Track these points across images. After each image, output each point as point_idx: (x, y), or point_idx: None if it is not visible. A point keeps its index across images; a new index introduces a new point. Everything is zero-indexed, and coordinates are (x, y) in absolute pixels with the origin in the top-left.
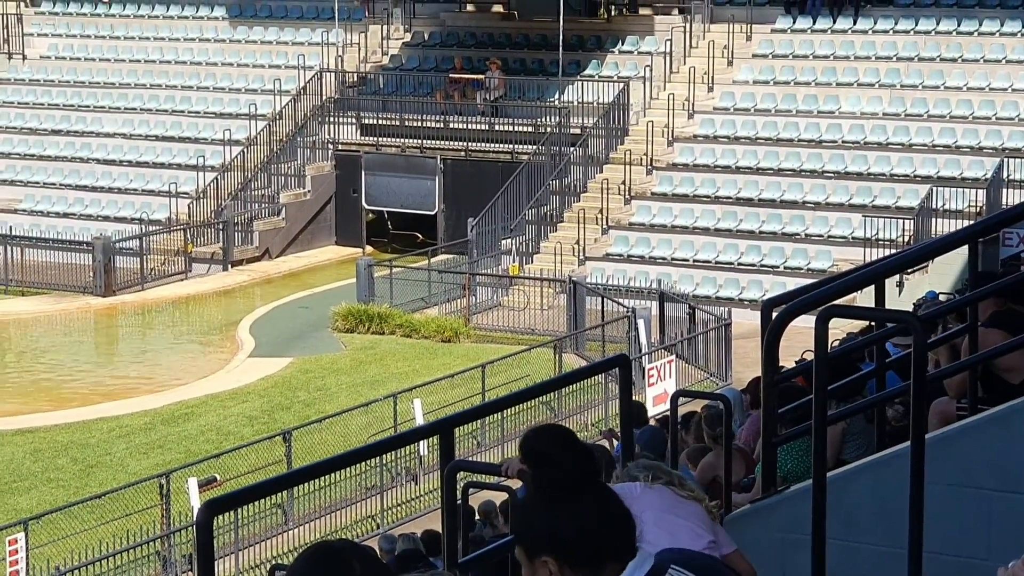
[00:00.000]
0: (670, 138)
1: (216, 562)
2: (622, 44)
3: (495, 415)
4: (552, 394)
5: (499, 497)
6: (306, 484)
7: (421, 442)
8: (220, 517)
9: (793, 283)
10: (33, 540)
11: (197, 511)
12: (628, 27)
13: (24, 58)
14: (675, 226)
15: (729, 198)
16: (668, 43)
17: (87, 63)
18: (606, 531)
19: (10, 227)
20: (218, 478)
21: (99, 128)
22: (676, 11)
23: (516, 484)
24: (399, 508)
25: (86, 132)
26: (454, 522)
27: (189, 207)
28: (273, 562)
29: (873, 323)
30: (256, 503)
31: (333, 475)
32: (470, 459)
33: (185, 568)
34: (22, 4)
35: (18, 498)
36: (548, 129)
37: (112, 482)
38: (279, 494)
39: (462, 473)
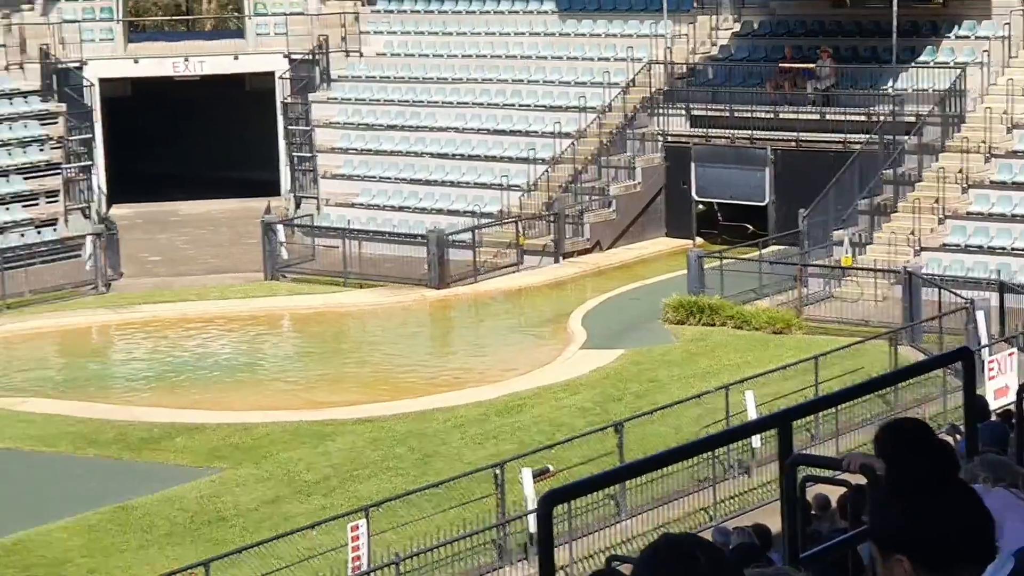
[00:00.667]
0: (1009, 124)
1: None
2: (958, 29)
3: (829, 408)
4: (889, 388)
5: (835, 492)
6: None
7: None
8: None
9: None
10: (374, 527)
11: (537, 501)
12: (964, 11)
13: (361, 55)
14: (1015, 215)
15: None
16: (1007, 27)
17: (421, 59)
18: (963, 532)
19: (348, 221)
20: (551, 469)
21: (432, 123)
22: None
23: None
24: (731, 501)
25: (420, 127)
26: (794, 516)
27: (520, 200)
28: (608, 552)
29: None
30: (589, 494)
31: (665, 467)
32: (804, 452)
33: (520, 556)
34: (359, 3)
35: (359, 485)
36: (881, 118)
37: (448, 471)
38: (612, 485)
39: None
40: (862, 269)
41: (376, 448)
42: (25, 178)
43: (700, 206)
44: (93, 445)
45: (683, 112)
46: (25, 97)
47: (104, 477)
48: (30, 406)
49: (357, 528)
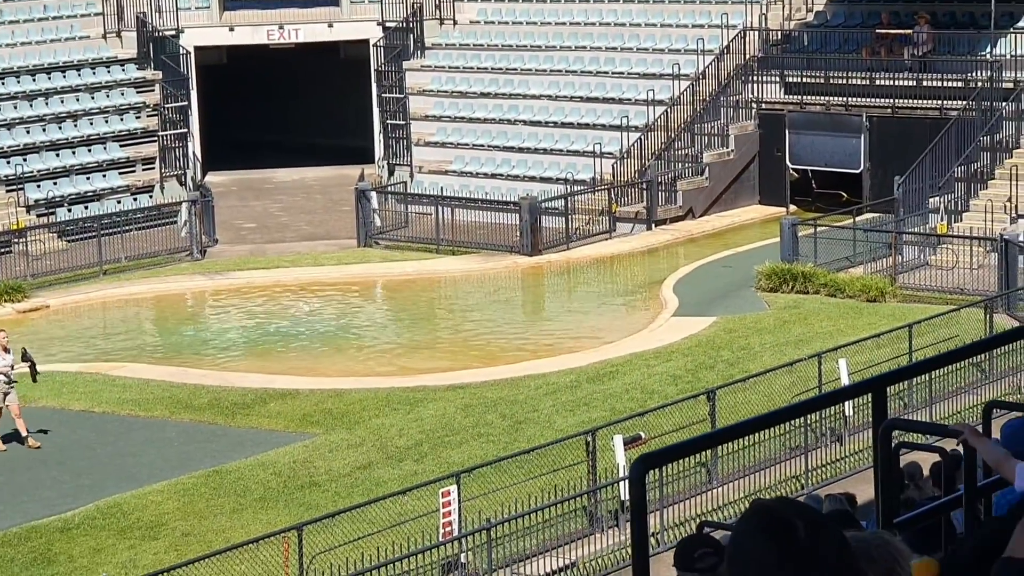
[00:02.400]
0: None
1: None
2: None
3: (923, 376)
4: (983, 355)
5: (927, 460)
6: (730, 443)
7: (847, 402)
8: (648, 474)
9: None
10: (465, 492)
11: (630, 465)
12: None
13: (454, 23)
14: None
15: None
16: None
17: (514, 26)
18: None
19: (441, 188)
20: (643, 436)
21: (526, 90)
22: None
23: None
24: (824, 469)
25: (513, 94)
26: (889, 482)
27: (613, 167)
28: (700, 519)
29: None
30: (680, 462)
31: (757, 434)
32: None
33: (611, 523)
34: None
35: (450, 452)
36: (979, 84)
37: (539, 438)
38: (703, 453)
39: (894, 433)
40: (957, 237)
41: (467, 415)
42: (122, 145)
43: (794, 174)
44: (187, 410)
45: (777, 79)
46: (122, 65)
47: (198, 442)
48: (126, 371)
49: (448, 494)
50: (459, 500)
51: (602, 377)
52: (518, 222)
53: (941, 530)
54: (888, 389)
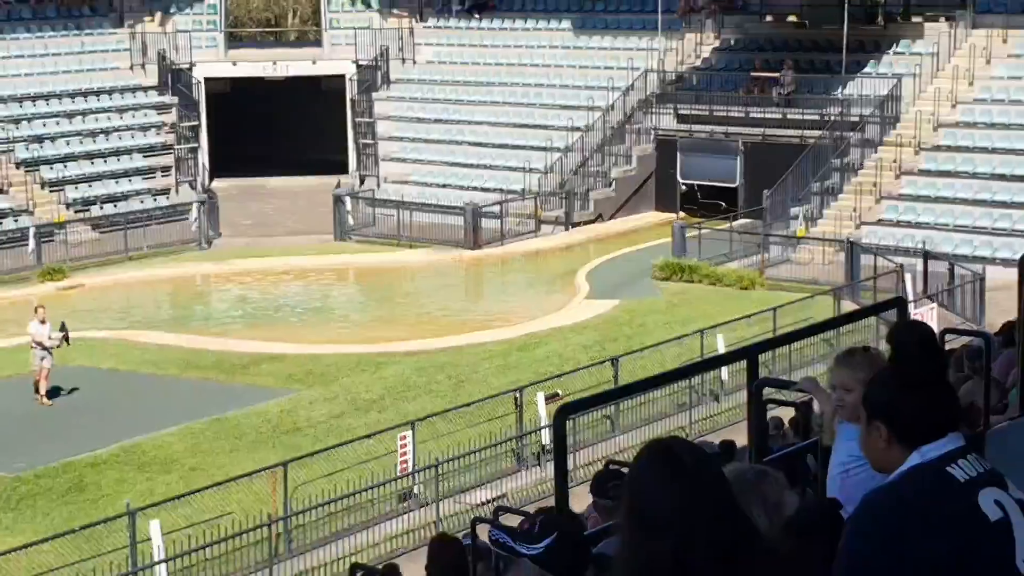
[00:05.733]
0: (935, 124)
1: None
2: (896, 47)
3: (783, 349)
4: (832, 333)
5: (787, 413)
6: (629, 399)
7: (724, 368)
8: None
9: None
10: (418, 437)
11: (553, 413)
12: (902, 33)
13: (414, 63)
14: (938, 197)
15: (985, 174)
16: (936, 45)
17: (462, 66)
18: (930, 420)
19: (403, 195)
20: (560, 393)
21: (470, 118)
22: (943, 19)
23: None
24: (704, 422)
25: (460, 121)
26: (762, 428)
27: (539, 180)
28: (606, 459)
29: None
30: (588, 414)
31: (652, 393)
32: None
33: (534, 463)
34: (414, 20)
35: (407, 404)
36: (832, 117)
37: (478, 394)
38: (607, 408)
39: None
40: (813, 239)
41: (420, 375)
42: (144, 156)
43: (683, 187)
44: (196, 369)
45: (672, 111)
46: (145, 91)
47: (204, 395)
48: (146, 338)
49: (405, 438)
50: (414, 443)
51: (528, 346)
52: (463, 223)
53: (799, 469)
54: (759, 357)
